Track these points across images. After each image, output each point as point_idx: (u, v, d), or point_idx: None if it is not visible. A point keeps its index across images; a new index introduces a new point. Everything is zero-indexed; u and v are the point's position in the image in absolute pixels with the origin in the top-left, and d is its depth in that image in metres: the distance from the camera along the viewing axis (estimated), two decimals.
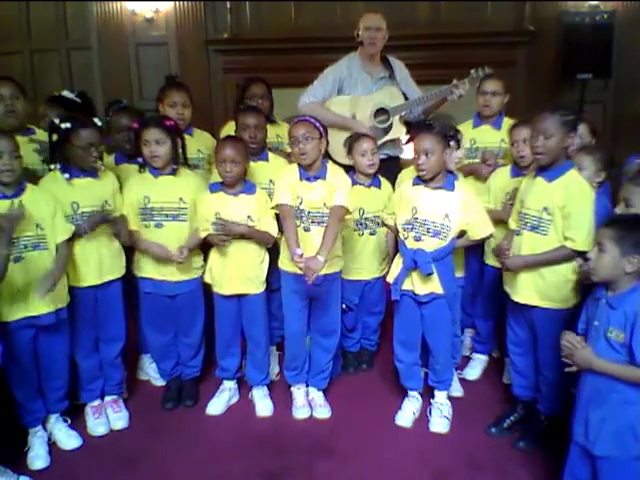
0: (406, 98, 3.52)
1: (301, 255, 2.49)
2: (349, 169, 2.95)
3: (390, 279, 2.65)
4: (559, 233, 2.32)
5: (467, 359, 3.15)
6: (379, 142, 3.47)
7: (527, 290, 2.42)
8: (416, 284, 2.56)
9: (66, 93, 3.11)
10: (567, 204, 2.28)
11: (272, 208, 2.67)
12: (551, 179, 2.34)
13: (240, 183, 2.69)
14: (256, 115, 2.92)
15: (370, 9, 3.60)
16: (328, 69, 3.56)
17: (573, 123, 2.31)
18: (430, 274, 2.50)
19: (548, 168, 2.35)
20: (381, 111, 3.48)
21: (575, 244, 2.29)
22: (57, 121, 2.51)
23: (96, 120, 2.60)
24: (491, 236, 2.62)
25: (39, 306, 2.37)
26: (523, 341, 2.55)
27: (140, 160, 2.71)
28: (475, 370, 3.10)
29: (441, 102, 3.50)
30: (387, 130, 3.49)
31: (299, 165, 2.63)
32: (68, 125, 2.49)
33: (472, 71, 3.32)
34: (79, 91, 3.23)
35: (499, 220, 2.69)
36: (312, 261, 2.45)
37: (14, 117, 2.66)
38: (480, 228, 2.57)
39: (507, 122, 3.11)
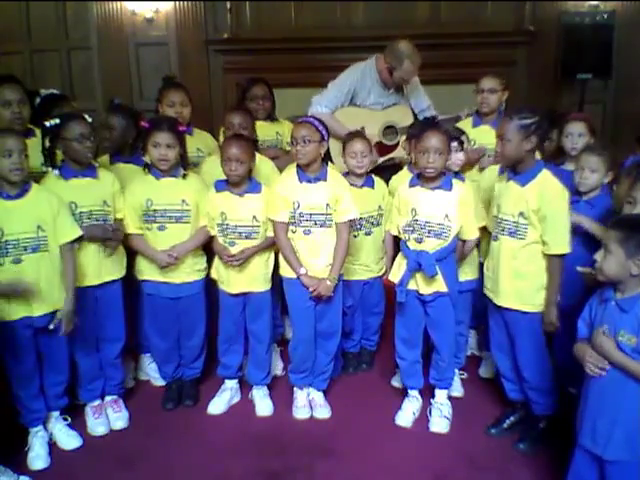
0: (415, 116, 3.52)
1: (306, 273, 2.58)
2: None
3: (392, 278, 2.66)
4: (537, 235, 2.33)
5: (469, 359, 3.14)
6: (383, 158, 3.48)
7: (508, 294, 2.43)
8: (420, 284, 2.57)
9: (42, 92, 3.11)
10: (541, 207, 2.29)
11: (268, 219, 2.67)
12: (524, 183, 2.35)
13: (245, 182, 2.69)
14: (241, 115, 2.95)
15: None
16: (346, 77, 3.50)
17: (534, 126, 2.28)
18: (434, 275, 2.50)
19: (520, 172, 2.36)
20: (390, 128, 3.48)
21: (549, 248, 2.31)
22: (47, 123, 2.50)
23: (86, 116, 2.59)
24: (477, 240, 2.66)
25: (36, 307, 2.37)
26: (503, 345, 2.56)
27: (145, 160, 2.72)
28: (489, 368, 3.09)
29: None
30: (393, 148, 3.49)
31: (298, 167, 2.64)
32: (57, 121, 2.49)
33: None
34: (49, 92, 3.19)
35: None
36: (322, 286, 2.60)
37: (20, 124, 2.65)
38: (468, 230, 2.58)
39: None
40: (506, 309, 2.45)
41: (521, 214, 2.34)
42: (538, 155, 2.50)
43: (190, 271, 2.78)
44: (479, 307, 3.01)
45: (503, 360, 2.59)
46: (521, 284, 2.39)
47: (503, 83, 3.18)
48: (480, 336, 3.18)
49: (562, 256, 2.32)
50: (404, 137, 3.46)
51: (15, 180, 2.30)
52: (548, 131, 2.38)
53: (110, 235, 2.60)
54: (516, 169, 2.38)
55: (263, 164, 2.98)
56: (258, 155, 2.97)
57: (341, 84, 3.49)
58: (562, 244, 2.30)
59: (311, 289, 2.62)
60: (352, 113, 3.48)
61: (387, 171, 3.25)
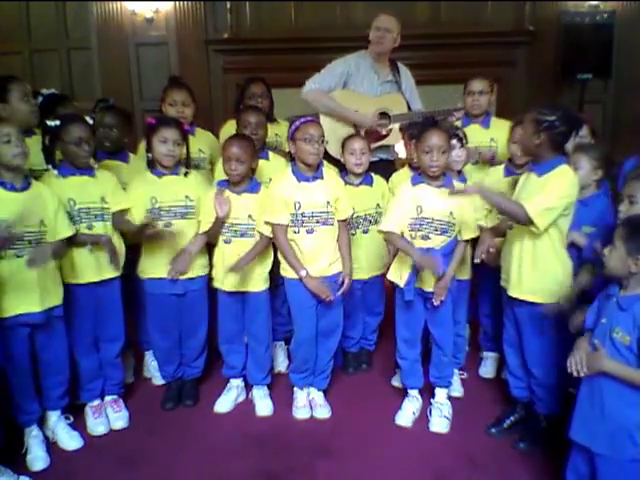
0: (409, 108, 3.53)
1: (307, 275, 2.60)
2: (342, 167, 3.01)
3: (391, 277, 2.66)
4: (550, 227, 2.31)
5: (469, 359, 3.14)
6: (375, 145, 3.49)
7: (517, 284, 2.42)
8: (424, 281, 2.59)
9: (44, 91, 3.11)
10: (547, 182, 2.28)
11: (266, 223, 2.66)
12: (541, 173, 2.34)
13: (245, 181, 2.70)
14: (257, 113, 2.99)
15: (382, 11, 3.60)
16: (337, 61, 3.56)
17: (546, 124, 2.27)
18: (443, 273, 2.51)
19: (539, 163, 2.36)
20: (383, 115, 3.49)
21: (527, 204, 2.24)
22: (48, 122, 2.51)
23: (87, 118, 2.60)
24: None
25: (31, 304, 2.37)
26: (514, 341, 2.55)
27: (148, 157, 2.73)
28: (489, 368, 3.10)
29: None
30: (385, 135, 3.50)
31: (293, 167, 2.65)
32: (57, 122, 2.50)
33: None
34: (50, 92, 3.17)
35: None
36: (347, 285, 2.67)
37: (36, 117, 2.67)
38: (469, 229, 2.58)
39: (495, 121, 3.17)
40: (515, 300, 2.44)
41: None
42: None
43: (195, 266, 2.78)
44: (479, 303, 3.04)
45: (512, 355, 2.58)
46: (530, 275, 2.38)
47: (491, 84, 3.21)
48: (482, 336, 3.18)
49: (526, 220, 2.25)
50: (397, 125, 3.49)
51: (18, 164, 2.31)
52: (565, 135, 2.32)
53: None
54: (535, 161, 2.39)
55: (276, 160, 3.02)
56: (272, 153, 3.05)
57: (334, 65, 3.55)
58: (537, 213, 2.23)
59: (323, 296, 2.63)
60: (347, 96, 3.51)
61: (383, 170, 3.24)
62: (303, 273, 2.62)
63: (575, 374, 1.90)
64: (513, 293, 2.44)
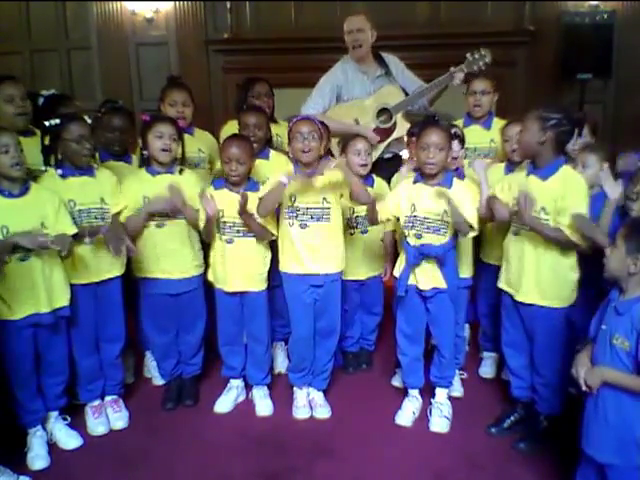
0: (406, 94, 3.52)
1: (287, 180, 2.50)
2: None
3: (395, 272, 2.68)
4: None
5: (469, 359, 3.13)
6: (385, 142, 3.48)
7: (531, 290, 2.41)
8: (420, 279, 2.58)
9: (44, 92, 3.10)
10: (564, 196, 2.28)
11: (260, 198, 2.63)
12: (545, 177, 2.34)
13: (244, 182, 2.70)
14: (256, 114, 2.96)
15: (354, 11, 3.63)
16: (323, 79, 3.56)
17: (553, 121, 2.27)
18: (439, 256, 2.51)
19: (539, 166, 2.36)
20: (383, 111, 3.49)
21: (568, 230, 2.27)
22: (47, 122, 2.50)
23: (86, 117, 2.60)
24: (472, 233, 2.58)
25: (43, 304, 2.38)
26: (518, 342, 2.55)
27: (144, 154, 2.72)
28: (489, 368, 3.10)
29: (442, 91, 3.50)
30: (392, 129, 3.49)
31: (295, 164, 2.65)
32: (57, 121, 2.50)
33: (468, 55, 3.32)
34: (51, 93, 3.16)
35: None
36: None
37: (25, 119, 2.65)
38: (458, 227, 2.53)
39: (497, 122, 3.14)
40: (527, 305, 2.43)
41: (543, 209, 2.32)
42: None
43: (189, 267, 2.78)
44: (477, 304, 3.03)
45: (516, 357, 2.58)
46: (544, 279, 2.38)
47: (494, 84, 3.18)
48: (481, 336, 3.17)
49: (570, 243, 2.29)
50: (399, 115, 3.47)
51: (16, 175, 2.31)
52: (569, 134, 2.34)
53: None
54: (535, 163, 2.37)
55: (277, 159, 2.99)
56: (274, 152, 3.02)
57: (322, 84, 3.54)
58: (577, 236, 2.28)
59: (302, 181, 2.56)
60: (342, 109, 3.50)
61: (397, 166, 3.23)
62: (284, 179, 2.50)
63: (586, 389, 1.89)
64: (526, 299, 2.43)
